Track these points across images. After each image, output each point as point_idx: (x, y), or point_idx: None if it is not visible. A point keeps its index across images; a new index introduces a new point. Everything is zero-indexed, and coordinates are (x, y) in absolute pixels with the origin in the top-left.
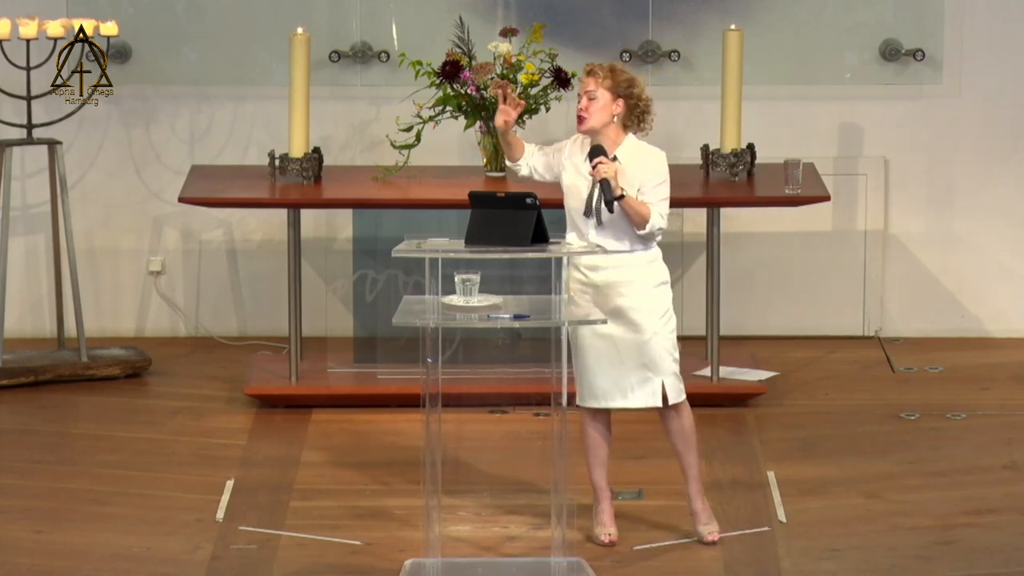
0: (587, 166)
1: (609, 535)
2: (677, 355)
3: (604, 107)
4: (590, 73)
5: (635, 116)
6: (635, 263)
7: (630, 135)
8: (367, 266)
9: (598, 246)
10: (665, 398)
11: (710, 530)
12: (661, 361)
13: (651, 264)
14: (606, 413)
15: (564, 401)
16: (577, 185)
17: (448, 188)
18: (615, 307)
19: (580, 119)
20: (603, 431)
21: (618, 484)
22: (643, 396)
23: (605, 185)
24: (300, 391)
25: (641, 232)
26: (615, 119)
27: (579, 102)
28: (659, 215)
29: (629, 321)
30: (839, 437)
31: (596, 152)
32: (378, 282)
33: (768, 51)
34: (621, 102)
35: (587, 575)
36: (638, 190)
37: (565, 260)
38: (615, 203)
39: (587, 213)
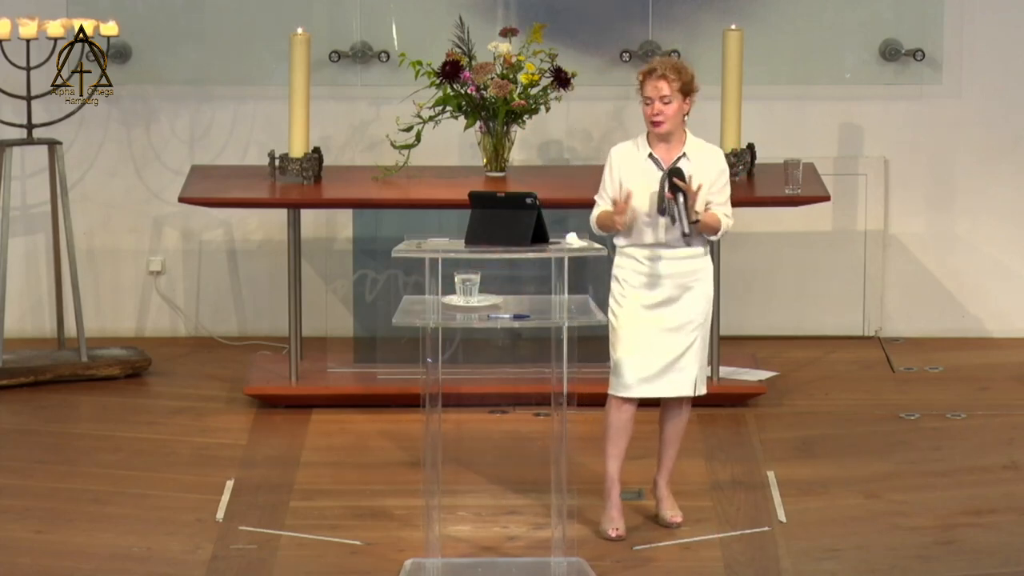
0: (647, 164)
1: (616, 529)
2: (707, 348)
3: (678, 110)
4: (662, 77)
5: (691, 106)
6: (695, 254)
7: (689, 133)
8: (367, 266)
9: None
10: (694, 388)
11: (672, 514)
12: (701, 351)
13: (706, 256)
14: (634, 404)
15: (564, 401)
16: (640, 186)
17: (448, 188)
18: (675, 296)
19: (657, 123)
20: (628, 422)
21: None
22: (675, 385)
23: (681, 211)
24: (300, 391)
25: (714, 238)
26: (684, 118)
27: (649, 105)
28: (725, 215)
29: (686, 310)
30: (839, 437)
31: (675, 175)
32: (378, 282)
33: (768, 51)
34: (688, 100)
35: (587, 575)
36: (708, 188)
37: (564, 259)
38: (694, 226)
39: (661, 211)
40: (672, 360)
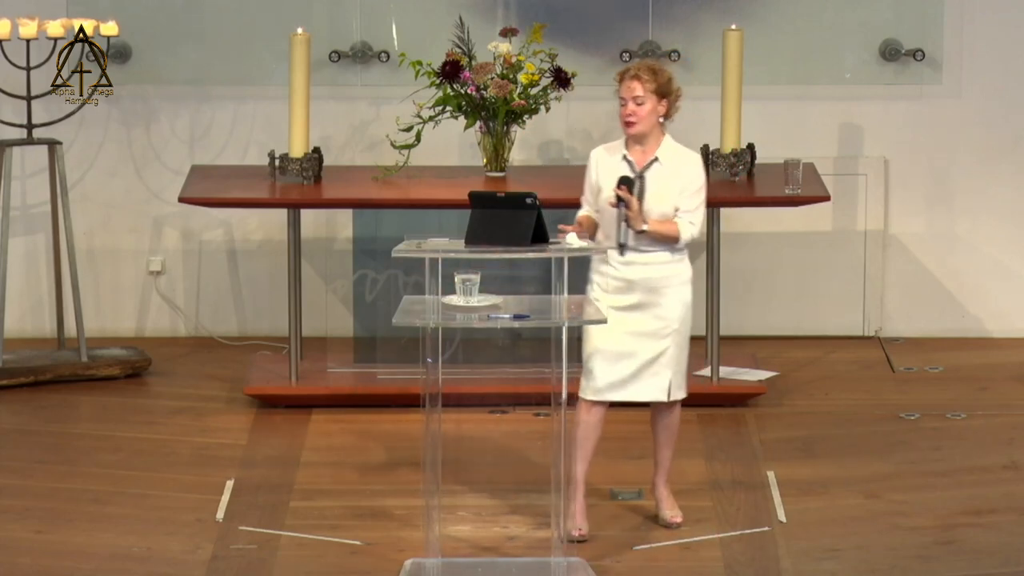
0: (622, 165)
1: (580, 530)
2: (687, 353)
3: (651, 111)
4: (635, 77)
5: (672, 109)
6: (667, 259)
7: (667, 136)
8: (367, 266)
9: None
10: (668, 394)
11: (673, 514)
12: (676, 357)
13: (681, 262)
14: (604, 406)
15: (564, 401)
16: (613, 187)
17: (448, 188)
18: (645, 301)
19: (629, 124)
20: (597, 424)
21: (618, 484)
22: (648, 390)
23: (626, 223)
24: (300, 391)
25: (678, 247)
26: (660, 119)
27: (624, 106)
28: (689, 224)
29: (657, 316)
30: (839, 437)
31: (623, 184)
32: (378, 282)
33: (768, 51)
34: (665, 101)
35: (587, 575)
36: (679, 194)
37: (564, 259)
38: (640, 235)
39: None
40: (643, 365)
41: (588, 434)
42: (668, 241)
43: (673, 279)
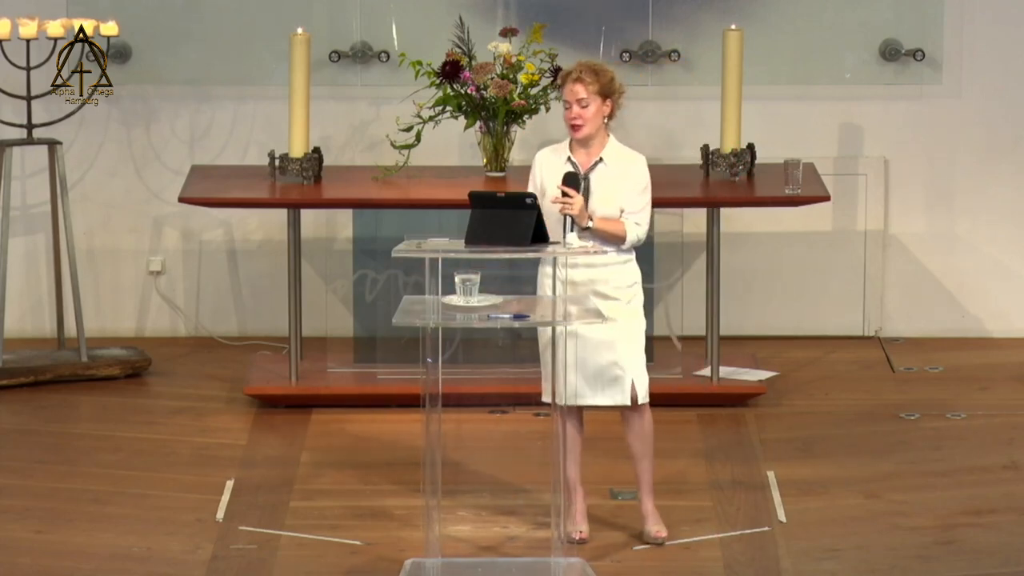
0: (566, 167)
1: (580, 532)
2: (644, 356)
3: (596, 112)
4: (577, 80)
5: (615, 108)
6: (612, 262)
7: (612, 137)
8: (367, 266)
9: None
10: (634, 398)
11: (658, 529)
12: (632, 359)
13: (627, 264)
14: (579, 409)
15: (564, 401)
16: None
17: (448, 188)
18: (592, 305)
19: (575, 127)
20: (576, 427)
21: (617, 484)
22: (612, 394)
23: (571, 220)
24: (300, 391)
25: (624, 247)
26: (604, 119)
27: (568, 110)
28: (635, 224)
29: (612, 321)
30: (839, 437)
31: (568, 181)
32: (378, 282)
33: (768, 51)
34: (608, 101)
35: (587, 575)
36: (626, 195)
37: (563, 259)
38: (584, 232)
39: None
40: (599, 370)
41: (569, 438)
42: (614, 240)
43: (620, 281)
